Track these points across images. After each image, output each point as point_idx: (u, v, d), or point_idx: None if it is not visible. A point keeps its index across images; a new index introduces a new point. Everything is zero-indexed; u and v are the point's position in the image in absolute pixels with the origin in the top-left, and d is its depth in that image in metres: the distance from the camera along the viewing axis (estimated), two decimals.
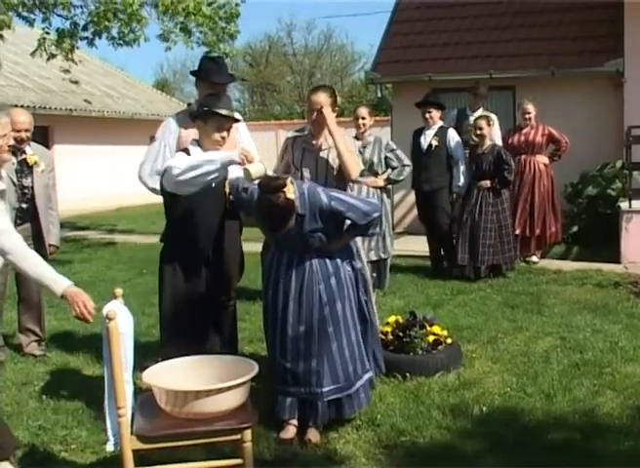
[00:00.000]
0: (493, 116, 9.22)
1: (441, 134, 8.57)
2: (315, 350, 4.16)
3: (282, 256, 4.24)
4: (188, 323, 4.67)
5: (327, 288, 4.15)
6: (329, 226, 4.09)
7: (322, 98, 4.51)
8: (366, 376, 4.35)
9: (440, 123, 8.66)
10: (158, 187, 4.98)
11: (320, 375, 4.16)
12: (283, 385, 4.23)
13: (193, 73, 5.21)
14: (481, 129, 8.30)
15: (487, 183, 8.30)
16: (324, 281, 4.15)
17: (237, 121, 4.70)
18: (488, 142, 8.36)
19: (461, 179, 8.47)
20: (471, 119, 8.88)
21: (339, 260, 4.22)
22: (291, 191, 3.84)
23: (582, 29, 12.18)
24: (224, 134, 4.53)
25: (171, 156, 4.95)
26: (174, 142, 5.02)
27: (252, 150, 5.26)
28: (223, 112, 4.48)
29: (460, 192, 8.54)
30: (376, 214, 4.15)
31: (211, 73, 5.06)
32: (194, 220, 4.58)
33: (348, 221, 4.15)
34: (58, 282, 3.41)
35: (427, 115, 8.57)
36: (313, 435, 4.18)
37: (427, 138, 8.59)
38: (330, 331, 4.16)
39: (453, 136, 8.57)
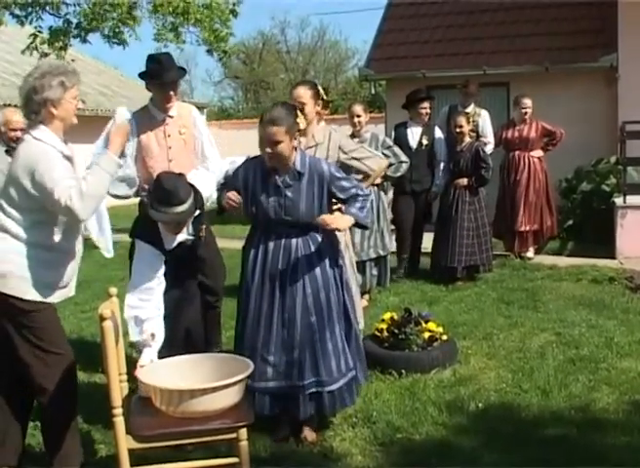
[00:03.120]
0: (484, 112, 9.20)
1: (429, 132, 8.40)
2: (297, 341, 4.03)
3: (268, 242, 4.12)
4: (177, 327, 4.64)
5: (311, 277, 4.07)
6: (322, 195, 4.07)
7: (301, 92, 4.52)
8: (350, 374, 4.17)
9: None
10: (120, 193, 4.94)
11: (302, 367, 4.04)
12: (262, 381, 4.02)
13: (141, 75, 5.06)
14: (461, 126, 8.04)
15: (464, 182, 8.04)
16: (309, 270, 4.06)
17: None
18: (467, 140, 8.13)
19: (441, 179, 8.32)
20: None
21: (324, 251, 4.13)
22: (302, 120, 4.02)
23: (576, 25, 12.19)
24: None
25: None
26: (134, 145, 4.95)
27: (209, 145, 5.20)
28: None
29: (438, 191, 8.36)
30: (366, 191, 4.21)
31: (158, 74, 4.90)
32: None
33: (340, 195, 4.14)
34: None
35: (425, 111, 8.33)
36: (309, 433, 4.17)
37: (416, 136, 8.33)
38: (312, 320, 4.03)
39: (440, 134, 8.47)
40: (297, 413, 4.10)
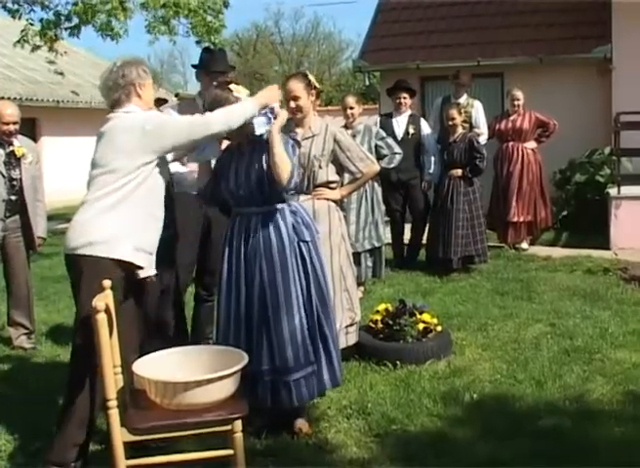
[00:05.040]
0: (477, 103, 9.20)
1: (415, 121, 8.44)
2: (255, 324, 3.96)
3: (234, 223, 4.08)
4: (173, 320, 4.64)
5: (267, 257, 3.96)
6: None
7: (294, 86, 4.58)
8: (310, 368, 4.01)
9: (409, 110, 8.57)
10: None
11: (260, 353, 3.93)
12: None
13: (194, 66, 5.25)
14: (453, 119, 8.06)
15: (458, 172, 8.04)
16: (264, 249, 3.96)
17: None
18: (460, 130, 8.14)
19: (432, 167, 8.32)
20: None
21: (284, 229, 4.01)
22: (239, 91, 4.01)
23: (571, 16, 12.18)
24: None
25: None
26: None
27: None
28: None
29: (431, 180, 8.39)
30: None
31: (208, 64, 5.10)
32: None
33: None
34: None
35: (402, 101, 8.38)
36: (303, 425, 4.16)
37: (401, 126, 8.37)
38: (268, 305, 3.94)
39: (425, 125, 8.51)
40: (257, 400, 3.92)
